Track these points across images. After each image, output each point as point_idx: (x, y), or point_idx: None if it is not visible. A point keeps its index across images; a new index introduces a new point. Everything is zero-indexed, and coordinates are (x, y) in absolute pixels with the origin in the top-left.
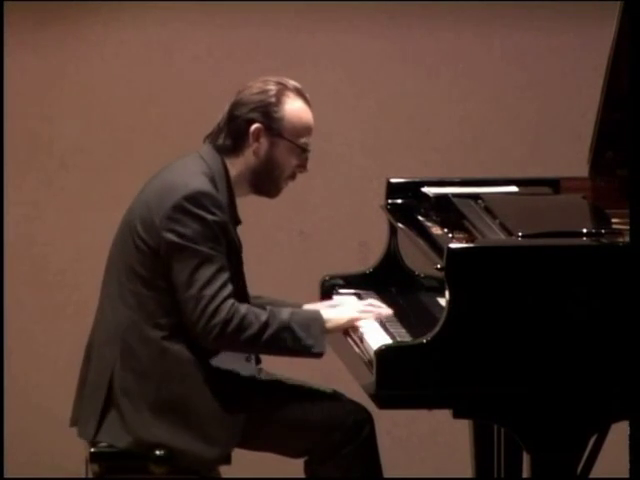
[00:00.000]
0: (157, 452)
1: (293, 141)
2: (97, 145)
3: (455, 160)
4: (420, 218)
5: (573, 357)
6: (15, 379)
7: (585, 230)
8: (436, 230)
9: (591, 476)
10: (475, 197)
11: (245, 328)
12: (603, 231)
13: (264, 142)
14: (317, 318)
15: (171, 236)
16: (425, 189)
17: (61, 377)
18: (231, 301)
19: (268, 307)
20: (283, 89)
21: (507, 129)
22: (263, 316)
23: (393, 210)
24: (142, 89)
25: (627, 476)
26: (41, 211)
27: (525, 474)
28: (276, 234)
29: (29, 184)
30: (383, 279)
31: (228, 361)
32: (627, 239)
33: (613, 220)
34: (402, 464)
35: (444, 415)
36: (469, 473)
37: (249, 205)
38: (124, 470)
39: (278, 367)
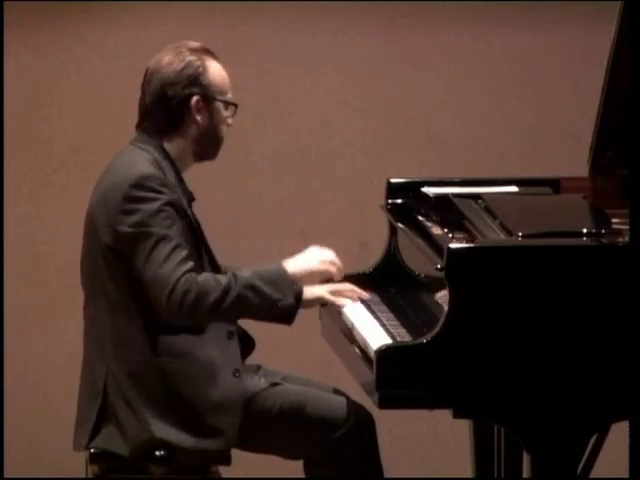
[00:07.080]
0: (157, 452)
1: (226, 100)
2: (97, 145)
3: (455, 160)
4: (420, 218)
5: (573, 357)
6: (15, 379)
7: (585, 230)
8: (436, 230)
9: (591, 476)
10: (475, 197)
11: (207, 293)
12: (603, 231)
13: (204, 111)
14: (281, 271)
15: (124, 228)
16: (425, 189)
17: (61, 377)
18: (189, 274)
19: (229, 271)
20: (201, 55)
21: (507, 129)
22: (224, 279)
23: (393, 210)
24: None
25: (627, 476)
26: (41, 211)
27: (525, 474)
28: (276, 234)
29: (29, 184)
30: (383, 279)
31: (223, 361)
32: (627, 239)
33: (613, 220)
34: (402, 464)
35: (444, 415)
36: (469, 473)
37: (249, 205)
38: (124, 470)
39: (278, 366)
